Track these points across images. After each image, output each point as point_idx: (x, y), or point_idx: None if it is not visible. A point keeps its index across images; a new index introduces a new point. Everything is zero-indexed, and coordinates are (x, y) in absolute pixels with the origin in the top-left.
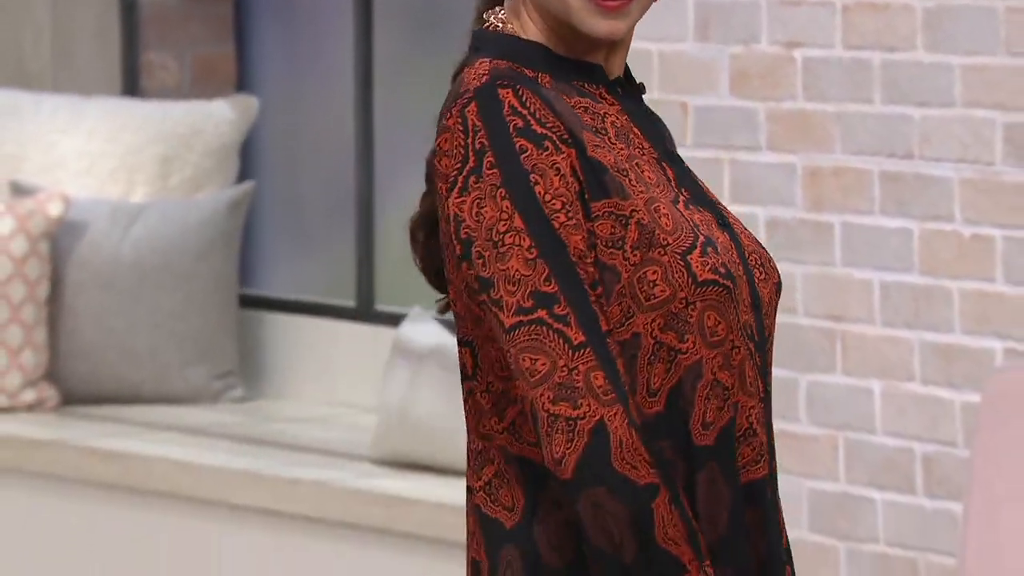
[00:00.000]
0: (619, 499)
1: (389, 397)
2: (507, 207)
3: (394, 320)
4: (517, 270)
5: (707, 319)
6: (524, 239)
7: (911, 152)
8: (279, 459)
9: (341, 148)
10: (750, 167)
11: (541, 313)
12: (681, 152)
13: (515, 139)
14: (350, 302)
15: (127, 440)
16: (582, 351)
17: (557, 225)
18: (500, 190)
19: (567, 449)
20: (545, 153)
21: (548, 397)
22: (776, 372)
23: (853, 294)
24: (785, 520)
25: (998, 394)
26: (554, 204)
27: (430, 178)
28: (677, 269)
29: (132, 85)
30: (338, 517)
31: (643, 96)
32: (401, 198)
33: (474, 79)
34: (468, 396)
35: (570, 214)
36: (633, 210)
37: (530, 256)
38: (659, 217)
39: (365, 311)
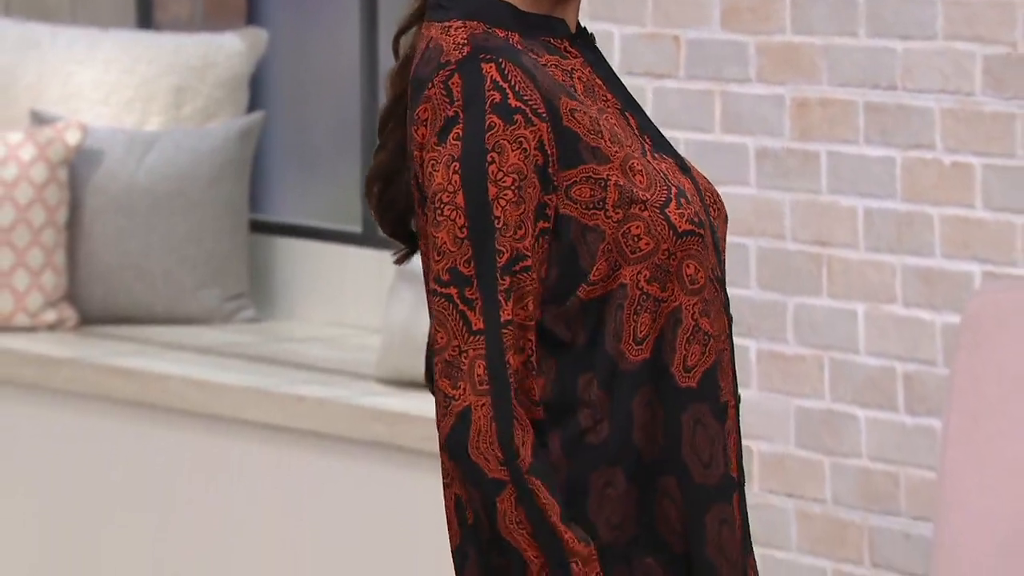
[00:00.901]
0: (472, 483)
1: (393, 318)
2: (455, 181)
3: None
4: (445, 242)
5: (686, 268)
6: (459, 217)
7: (894, 84)
8: (287, 377)
9: (347, 79)
10: (740, 98)
11: (452, 290)
12: (673, 84)
13: (488, 114)
14: (356, 227)
15: (143, 359)
16: (477, 337)
17: (497, 209)
18: (455, 163)
19: (440, 422)
20: (512, 127)
21: (439, 369)
22: (764, 295)
23: (838, 220)
24: (772, 435)
25: (976, 315)
26: (504, 181)
27: (382, 131)
28: (658, 223)
29: (146, 18)
30: (343, 433)
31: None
32: None
33: (454, 49)
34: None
35: (519, 189)
36: (609, 173)
37: (460, 235)
38: (634, 176)
39: (370, 236)
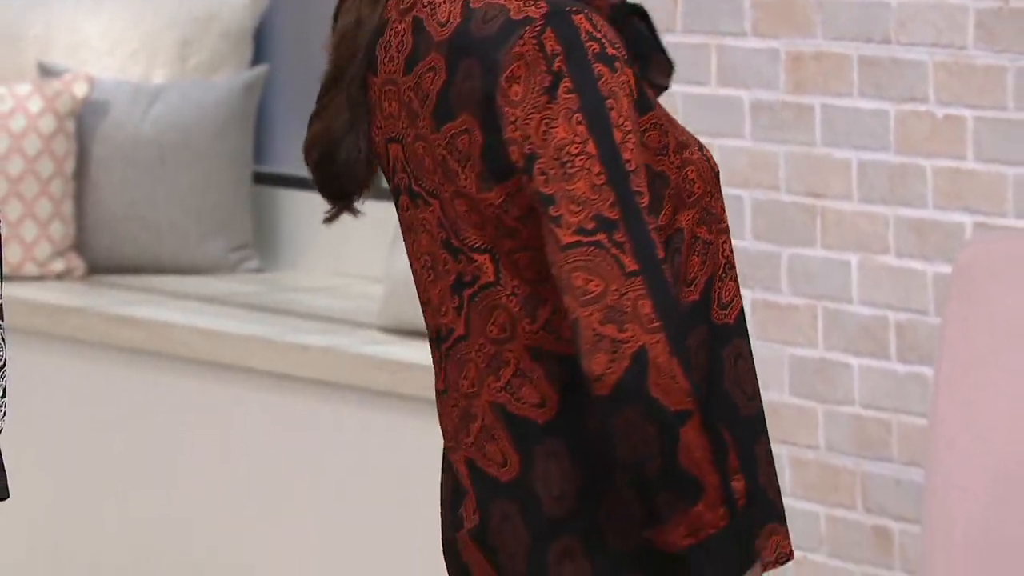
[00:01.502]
0: (650, 421)
1: (395, 268)
2: (581, 131)
3: None
4: (583, 192)
5: (716, 208)
6: (594, 164)
7: (888, 37)
8: (291, 326)
9: None
10: (736, 52)
11: (600, 236)
12: (670, 38)
13: (593, 64)
14: None
15: (150, 308)
16: (634, 279)
17: (626, 152)
18: (576, 114)
19: (607, 369)
20: (617, 75)
21: (597, 318)
22: (759, 246)
23: (832, 172)
24: (767, 383)
25: (967, 266)
26: (625, 126)
27: (321, 99)
28: (703, 165)
29: None
30: (346, 381)
31: None
32: None
33: (531, 6)
34: (474, 301)
35: (637, 136)
36: (661, 119)
37: (598, 182)
38: (671, 121)
39: (372, 187)
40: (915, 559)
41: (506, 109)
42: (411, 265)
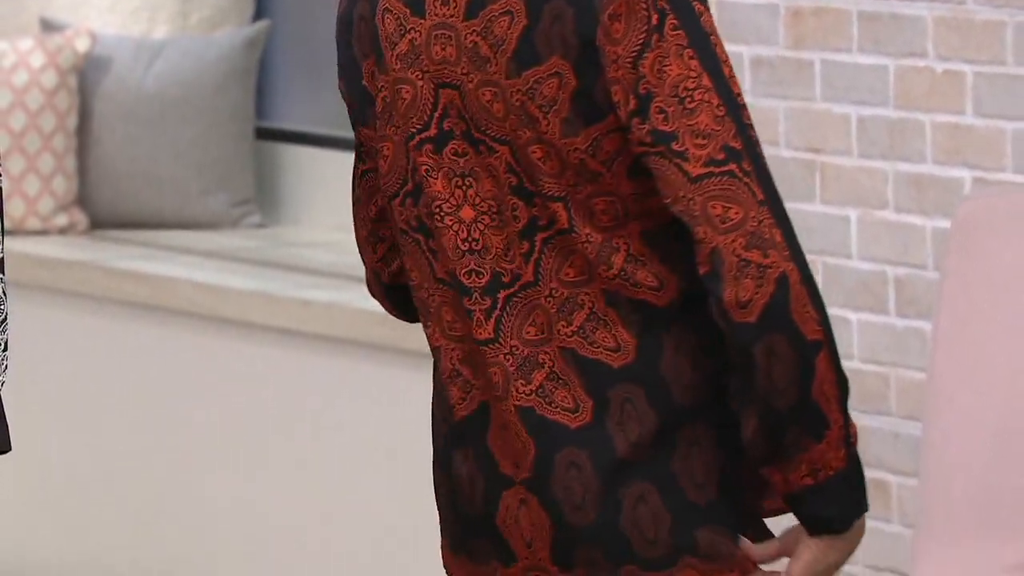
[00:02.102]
0: (793, 348)
1: None
2: (695, 66)
3: None
4: (707, 125)
5: None
6: (713, 97)
7: None
8: (293, 281)
9: None
10: (736, 7)
11: (732, 166)
12: None
13: (693, 2)
14: None
15: (152, 262)
16: (765, 207)
17: (735, 86)
18: (687, 50)
19: (755, 294)
20: (709, 13)
21: (740, 243)
22: None
23: (832, 127)
24: None
25: (966, 221)
26: (728, 60)
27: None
28: None
29: None
30: (348, 336)
31: None
32: None
33: None
34: (549, 245)
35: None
36: None
37: (719, 113)
38: None
39: None
40: (913, 512)
41: (608, 48)
42: (453, 211)
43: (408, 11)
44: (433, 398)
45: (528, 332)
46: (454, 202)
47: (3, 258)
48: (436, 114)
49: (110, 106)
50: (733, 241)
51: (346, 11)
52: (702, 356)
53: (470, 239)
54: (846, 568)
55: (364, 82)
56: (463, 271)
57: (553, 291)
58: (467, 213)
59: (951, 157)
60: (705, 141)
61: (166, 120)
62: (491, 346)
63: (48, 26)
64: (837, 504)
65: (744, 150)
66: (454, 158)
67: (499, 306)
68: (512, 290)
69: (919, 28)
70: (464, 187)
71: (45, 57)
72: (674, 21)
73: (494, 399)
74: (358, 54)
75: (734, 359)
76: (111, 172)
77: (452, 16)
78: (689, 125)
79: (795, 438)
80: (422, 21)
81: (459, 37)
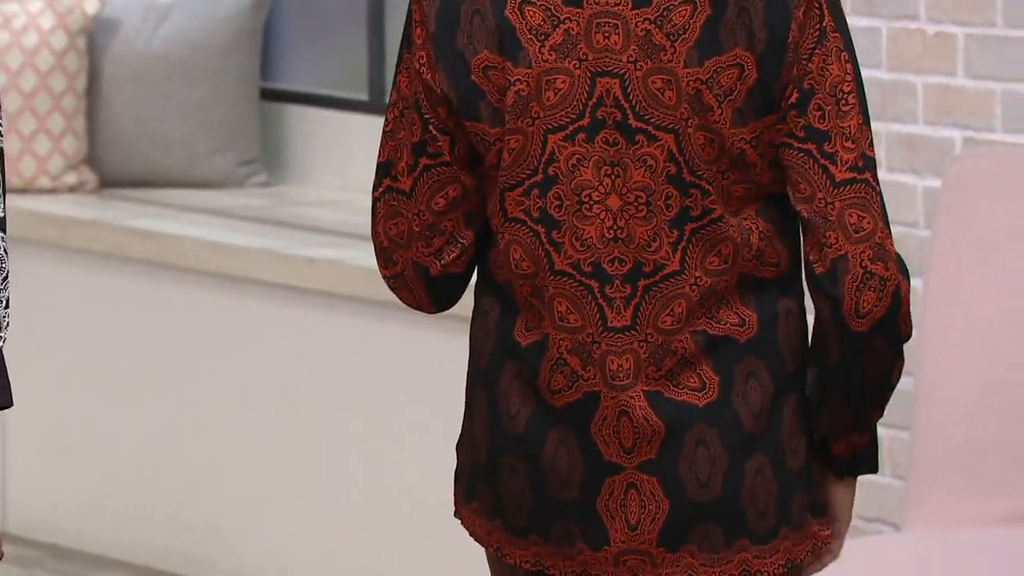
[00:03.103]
0: (892, 347)
1: None
2: (850, 69)
3: None
4: (855, 130)
5: None
6: (858, 103)
7: None
8: (299, 239)
9: None
10: None
11: (868, 175)
12: None
13: (840, 6)
14: (363, 95)
15: (160, 221)
16: (885, 220)
17: (864, 91)
18: (844, 52)
19: (875, 307)
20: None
21: (868, 255)
22: None
23: None
24: None
25: (957, 180)
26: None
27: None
28: None
29: None
30: (351, 292)
31: None
32: None
33: None
34: (698, 235)
35: None
36: None
37: (861, 120)
38: None
39: (377, 104)
40: (904, 465)
41: (795, 43)
42: (600, 199)
43: (560, 2)
44: (509, 384)
45: (665, 321)
46: (602, 191)
47: (4, 217)
48: (591, 103)
49: (119, 67)
50: (862, 252)
51: (448, 6)
52: (799, 321)
53: (615, 227)
54: None
55: (473, 77)
56: (607, 259)
57: (698, 279)
58: (614, 202)
59: (942, 117)
60: (853, 145)
61: (174, 81)
62: (627, 333)
63: None
64: (876, 451)
65: (875, 160)
66: (605, 147)
67: (638, 294)
68: (654, 279)
69: None
70: (613, 176)
71: (55, 19)
72: (831, 23)
73: (608, 389)
74: (465, 49)
75: (833, 351)
76: (120, 132)
77: (618, 4)
78: (841, 127)
79: (873, 411)
80: (579, 11)
81: (628, 25)
